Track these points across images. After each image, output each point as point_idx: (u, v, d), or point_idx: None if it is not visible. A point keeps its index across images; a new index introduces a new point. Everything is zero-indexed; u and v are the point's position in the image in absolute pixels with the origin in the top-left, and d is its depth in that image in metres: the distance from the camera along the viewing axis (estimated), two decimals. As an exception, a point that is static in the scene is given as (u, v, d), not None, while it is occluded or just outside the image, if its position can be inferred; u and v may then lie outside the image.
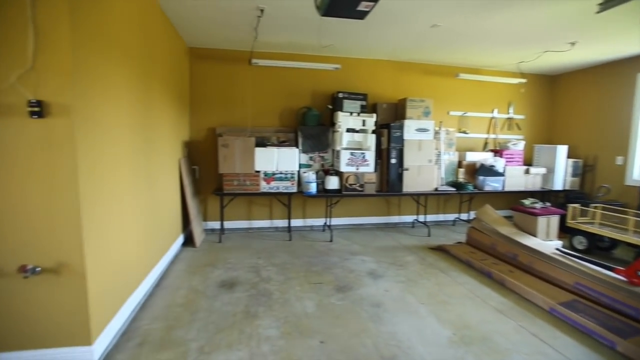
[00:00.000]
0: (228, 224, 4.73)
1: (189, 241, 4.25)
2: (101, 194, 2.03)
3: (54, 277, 1.82)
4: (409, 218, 5.43)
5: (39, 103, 1.68)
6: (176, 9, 3.25)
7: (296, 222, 4.97)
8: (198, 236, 4.17)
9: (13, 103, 1.67)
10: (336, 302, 2.87)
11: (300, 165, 4.64)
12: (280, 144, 4.58)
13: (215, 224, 4.70)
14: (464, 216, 5.64)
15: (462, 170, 5.19)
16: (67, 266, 1.82)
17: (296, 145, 4.65)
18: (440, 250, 4.22)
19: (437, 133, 4.99)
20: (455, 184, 5.09)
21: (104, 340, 2.04)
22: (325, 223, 5.05)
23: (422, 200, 5.30)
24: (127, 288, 2.43)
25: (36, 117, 1.68)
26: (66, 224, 1.79)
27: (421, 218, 5.38)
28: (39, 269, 1.77)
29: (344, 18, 2.79)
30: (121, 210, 2.32)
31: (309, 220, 5.03)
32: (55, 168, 1.75)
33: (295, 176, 4.39)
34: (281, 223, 4.93)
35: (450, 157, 5.20)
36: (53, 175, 1.75)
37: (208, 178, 4.66)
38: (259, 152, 4.20)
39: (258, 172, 4.25)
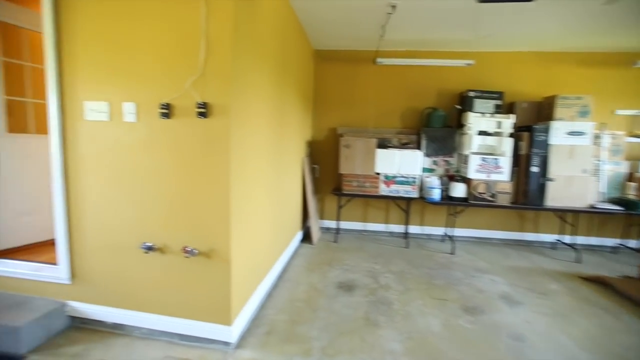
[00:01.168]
0: (343, 224, 4.76)
1: (306, 238, 4.42)
2: (244, 188, 2.19)
3: (206, 259, 2.03)
4: (549, 237, 4.55)
5: (204, 104, 1.88)
6: (308, 10, 3.36)
7: (414, 229, 4.68)
8: (315, 234, 4.29)
9: (187, 105, 1.92)
10: (465, 324, 2.53)
11: (423, 169, 4.33)
12: (402, 146, 4.37)
13: (331, 223, 4.78)
14: (632, 243, 4.44)
15: (632, 184, 4.08)
16: (216, 252, 2.01)
17: (419, 148, 4.37)
18: (599, 282, 3.38)
19: (597, 137, 4.04)
20: (621, 202, 4.03)
21: (239, 323, 2.20)
22: (445, 233, 4.62)
23: (569, 218, 4.38)
24: (257, 277, 2.59)
25: (202, 117, 1.89)
26: (218, 214, 1.98)
27: (566, 239, 4.45)
28: (196, 251, 2.00)
29: (509, 2, 2.38)
30: (257, 203, 2.49)
31: (427, 228, 4.68)
32: (213, 163, 1.94)
33: (417, 180, 4.12)
34: (397, 228, 4.71)
35: (615, 167, 4.15)
36: (212, 169, 1.95)
37: (327, 177, 4.77)
38: (380, 153, 4.07)
39: (378, 174, 4.13)
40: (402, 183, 4.13)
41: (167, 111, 1.93)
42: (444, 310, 2.72)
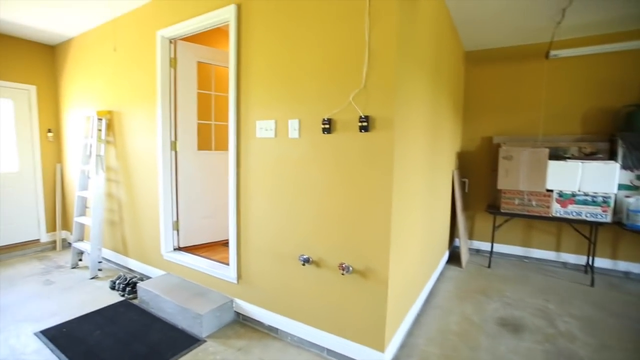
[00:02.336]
0: (498, 247, 4.11)
1: (453, 259, 3.98)
2: (403, 205, 2.05)
3: (361, 278, 1.96)
4: None
5: (366, 118, 1.84)
6: (465, 8, 3.03)
7: (602, 263, 3.67)
8: (464, 255, 3.82)
9: (349, 119, 1.92)
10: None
11: (619, 187, 3.36)
12: (586, 156, 3.49)
13: (482, 245, 4.20)
14: None
15: None
16: (373, 271, 1.92)
17: (613, 159, 3.41)
18: None
19: None
20: None
21: (391, 350, 2.06)
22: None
23: None
24: (409, 301, 2.41)
25: (364, 131, 1.85)
26: (378, 232, 1.89)
27: None
28: (351, 268, 1.97)
29: None
30: (413, 221, 2.31)
31: (621, 262, 3.60)
32: (374, 178, 1.87)
33: (610, 201, 3.21)
34: (574, 259, 3.79)
35: None
36: (372, 184, 1.88)
37: (478, 193, 4.23)
38: (555, 166, 3.34)
39: (550, 191, 3.41)
40: (585, 203, 3.28)
41: (329, 126, 1.97)
42: None
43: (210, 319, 2.40)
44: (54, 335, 2.32)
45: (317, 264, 2.11)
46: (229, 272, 2.59)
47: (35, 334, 2.34)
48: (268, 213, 2.30)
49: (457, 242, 4.34)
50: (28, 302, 2.82)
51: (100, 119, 3.41)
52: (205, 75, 3.37)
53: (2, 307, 2.76)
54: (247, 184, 2.40)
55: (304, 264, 2.09)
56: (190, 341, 2.29)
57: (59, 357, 2.10)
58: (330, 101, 1.99)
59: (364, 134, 1.87)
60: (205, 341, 2.31)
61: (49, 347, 2.20)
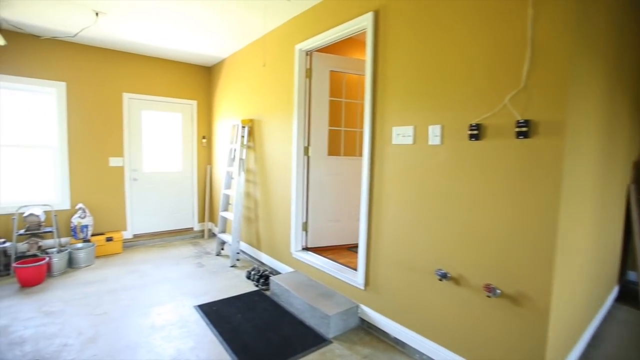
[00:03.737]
0: (692, 290, 3.15)
1: (625, 297, 3.22)
2: (569, 223, 1.74)
3: (512, 304, 1.74)
4: None
5: (526, 122, 1.63)
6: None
7: None
8: (640, 294, 3.04)
9: (502, 124, 1.74)
10: None
11: None
12: None
13: (666, 284, 3.28)
14: None
15: None
16: (528, 298, 1.68)
17: None
18: None
19: None
20: None
21: (544, 396, 1.76)
22: None
23: None
24: (569, 340, 2.03)
25: (522, 137, 1.64)
26: (536, 253, 1.64)
27: None
28: (499, 291, 1.76)
29: None
30: (577, 245, 1.95)
31: None
32: (534, 191, 1.64)
33: None
34: None
35: None
36: (531, 198, 1.65)
37: (661, 215, 3.33)
38: None
39: None
40: None
41: (477, 132, 1.81)
42: None
43: (337, 321, 2.48)
44: (207, 311, 2.74)
45: (456, 281, 1.96)
46: (356, 277, 2.63)
47: (195, 307, 2.82)
48: (402, 222, 2.26)
49: (631, 275, 3.49)
50: (187, 279, 3.42)
51: (243, 127, 3.93)
52: (336, 83, 3.55)
53: (173, 279, 3.41)
54: (380, 191, 2.40)
55: (440, 279, 1.97)
56: (318, 340, 2.40)
57: (212, 330, 2.47)
58: (478, 105, 1.83)
59: (522, 140, 1.66)
60: (331, 342, 2.39)
61: (204, 320, 2.61)
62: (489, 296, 1.76)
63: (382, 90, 2.37)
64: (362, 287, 2.56)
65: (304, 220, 3.30)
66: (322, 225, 3.41)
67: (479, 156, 1.83)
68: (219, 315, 2.69)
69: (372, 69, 2.42)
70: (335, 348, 2.33)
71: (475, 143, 1.85)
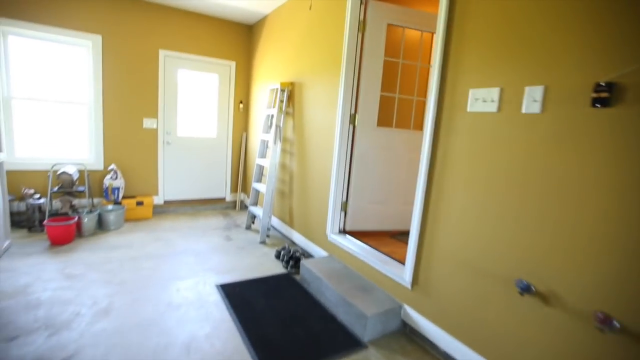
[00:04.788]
0: None
1: None
2: None
3: (632, 342, 1.23)
4: None
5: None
6: None
7: None
8: None
9: (659, 81, 1.17)
10: None
11: None
12: None
13: None
14: None
15: None
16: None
17: None
18: None
19: None
20: None
21: None
22: None
23: None
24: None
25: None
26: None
27: None
28: (617, 324, 1.25)
29: None
30: None
31: None
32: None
33: None
34: None
35: None
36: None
37: None
38: None
39: None
40: None
41: (608, 95, 1.25)
42: None
43: (375, 323, 2.09)
44: (229, 292, 2.46)
45: (544, 298, 1.47)
46: (402, 273, 2.21)
47: (216, 286, 2.55)
48: (473, 212, 1.76)
49: None
50: (213, 254, 3.18)
51: (282, 90, 3.52)
52: (394, 40, 2.99)
53: (198, 252, 3.19)
54: (444, 172, 1.91)
55: (521, 293, 1.49)
56: (351, 343, 2.03)
57: (232, 316, 2.18)
58: (612, 54, 1.26)
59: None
60: (366, 347, 2.01)
61: (224, 303, 2.33)
62: (600, 329, 1.26)
63: (459, 39, 1.82)
64: (408, 286, 2.13)
65: (344, 200, 2.89)
66: (364, 206, 2.98)
67: (606, 130, 1.28)
68: (242, 298, 2.40)
69: (446, 7, 1.87)
70: (372, 355, 1.95)
71: (601, 111, 1.29)
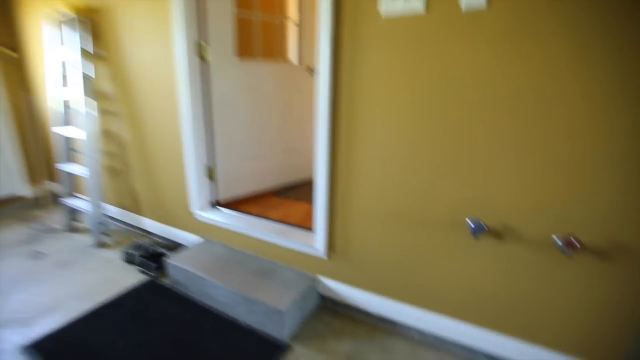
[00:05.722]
0: None
1: None
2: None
3: (598, 262, 1.09)
4: None
5: None
6: None
7: None
8: None
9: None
10: None
11: None
12: None
13: None
14: None
15: None
16: (626, 249, 1.05)
17: None
18: None
19: None
20: None
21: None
22: None
23: None
24: None
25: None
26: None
27: None
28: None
29: None
30: None
31: None
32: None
33: None
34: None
35: None
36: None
37: None
38: None
39: None
40: None
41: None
42: None
43: (293, 314, 1.56)
44: (52, 352, 1.45)
45: (498, 236, 1.22)
46: (311, 241, 1.70)
47: (22, 349, 1.47)
48: (400, 149, 1.34)
49: None
50: (11, 290, 1.91)
51: (81, 21, 2.22)
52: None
53: (-27, 296, 1.85)
54: (354, 102, 1.39)
55: (474, 234, 1.20)
56: (269, 350, 1.46)
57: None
58: None
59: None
60: (289, 347, 1.49)
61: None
62: (566, 253, 1.08)
63: None
64: (323, 255, 1.66)
65: (208, 164, 2.10)
66: (237, 165, 2.27)
67: (573, 20, 0.98)
68: (81, 353, 1.45)
69: None
70: (300, 356, 1.45)
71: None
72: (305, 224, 1.89)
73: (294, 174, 2.66)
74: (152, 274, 2.02)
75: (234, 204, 2.22)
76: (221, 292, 1.69)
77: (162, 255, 2.09)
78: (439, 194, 1.29)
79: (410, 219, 1.38)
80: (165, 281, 1.96)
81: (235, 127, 2.20)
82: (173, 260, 1.88)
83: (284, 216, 2.05)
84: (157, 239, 2.42)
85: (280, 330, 1.52)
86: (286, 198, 2.38)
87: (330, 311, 1.72)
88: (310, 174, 2.71)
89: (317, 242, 1.65)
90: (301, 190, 2.55)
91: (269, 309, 1.52)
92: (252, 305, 1.58)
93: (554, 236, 1.11)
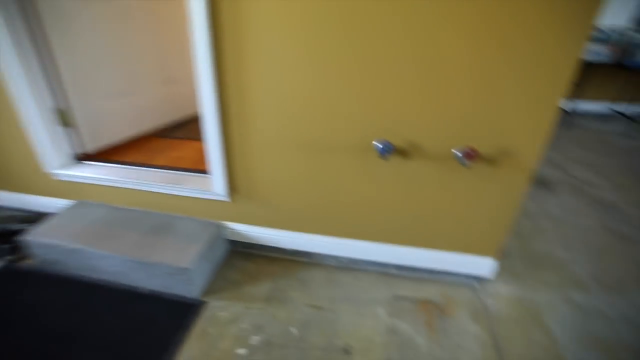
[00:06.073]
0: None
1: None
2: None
3: (489, 168, 1.16)
4: None
5: None
6: None
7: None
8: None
9: None
10: None
11: None
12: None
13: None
14: None
15: None
16: (512, 155, 1.12)
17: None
18: None
19: None
20: None
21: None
22: (611, 109, 3.60)
23: None
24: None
25: None
26: (531, 93, 1.00)
27: None
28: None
29: None
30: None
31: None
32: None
33: (621, 37, 2.84)
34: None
35: None
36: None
37: None
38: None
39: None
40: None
41: None
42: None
43: (201, 268, 1.40)
44: None
45: (405, 153, 1.19)
46: (209, 186, 1.47)
47: None
48: (301, 77, 1.12)
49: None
50: None
51: None
52: None
53: None
54: (238, 25, 1.07)
55: (383, 155, 1.14)
56: (182, 312, 1.30)
57: None
58: None
59: None
60: (204, 303, 1.35)
61: None
62: (465, 164, 1.10)
63: None
64: (225, 198, 1.47)
65: (58, 105, 1.57)
66: (104, 106, 1.76)
67: None
68: None
69: None
70: (218, 309, 1.33)
71: None
72: (200, 167, 1.62)
73: (179, 109, 2.24)
74: (9, 258, 1.56)
75: (108, 154, 1.78)
76: (111, 262, 1.40)
77: (15, 232, 1.61)
78: (346, 119, 1.17)
79: (318, 148, 1.25)
80: (31, 264, 1.54)
81: (90, 54, 1.63)
82: (34, 236, 1.45)
83: (173, 161, 1.73)
84: (9, 213, 1.86)
85: (189, 288, 1.36)
86: (173, 139, 2.01)
87: (243, 255, 1.61)
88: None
89: (215, 185, 1.43)
90: (191, 127, 2.19)
91: (172, 268, 1.32)
92: (151, 269, 1.35)
93: (453, 150, 1.12)
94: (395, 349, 1.17)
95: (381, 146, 1.11)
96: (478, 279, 1.45)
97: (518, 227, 1.82)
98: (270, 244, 1.57)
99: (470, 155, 1.05)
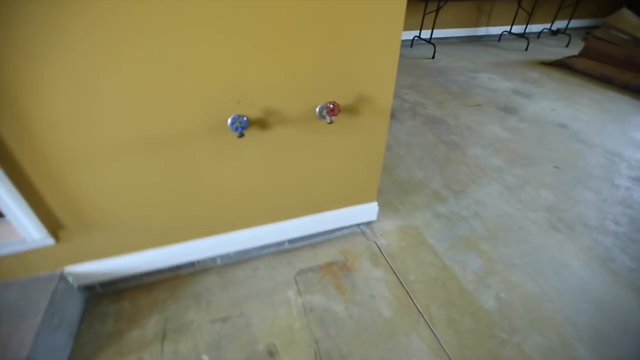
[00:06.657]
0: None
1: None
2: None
3: (353, 119, 1.10)
4: (497, 30, 4.57)
5: None
6: None
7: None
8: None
9: None
10: (519, 124, 2.42)
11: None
12: None
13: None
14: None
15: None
16: (371, 100, 1.08)
17: None
18: (560, 65, 3.61)
19: None
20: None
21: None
22: (416, 37, 4.16)
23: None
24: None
25: None
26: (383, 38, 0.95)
27: (514, 29, 4.58)
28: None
29: None
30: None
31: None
32: None
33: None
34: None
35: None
36: None
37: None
38: None
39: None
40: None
41: None
42: (490, 116, 2.53)
43: (50, 343, 0.98)
44: None
45: (264, 124, 1.01)
46: (15, 234, 0.99)
47: None
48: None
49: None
50: None
51: None
52: None
53: None
54: None
55: (240, 132, 0.93)
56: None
57: None
58: None
59: None
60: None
61: None
62: (329, 120, 1.00)
63: None
64: (46, 240, 1.03)
65: None
66: None
67: None
68: None
69: None
70: (92, 382, 0.99)
71: None
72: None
73: None
74: None
75: None
76: None
77: None
78: (187, 100, 0.90)
79: (161, 142, 0.96)
80: None
81: None
82: None
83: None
84: None
85: (37, 375, 0.95)
86: None
87: (110, 296, 1.23)
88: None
89: (23, 229, 0.98)
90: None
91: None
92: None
93: (316, 108, 1.02)
94: (317, 327, 1.11)
95: (232, 123, 0.91)
96: (367, 224, 1.50)
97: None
98: (140, 270, 1.23)
99: (332, 110, 0.97)
